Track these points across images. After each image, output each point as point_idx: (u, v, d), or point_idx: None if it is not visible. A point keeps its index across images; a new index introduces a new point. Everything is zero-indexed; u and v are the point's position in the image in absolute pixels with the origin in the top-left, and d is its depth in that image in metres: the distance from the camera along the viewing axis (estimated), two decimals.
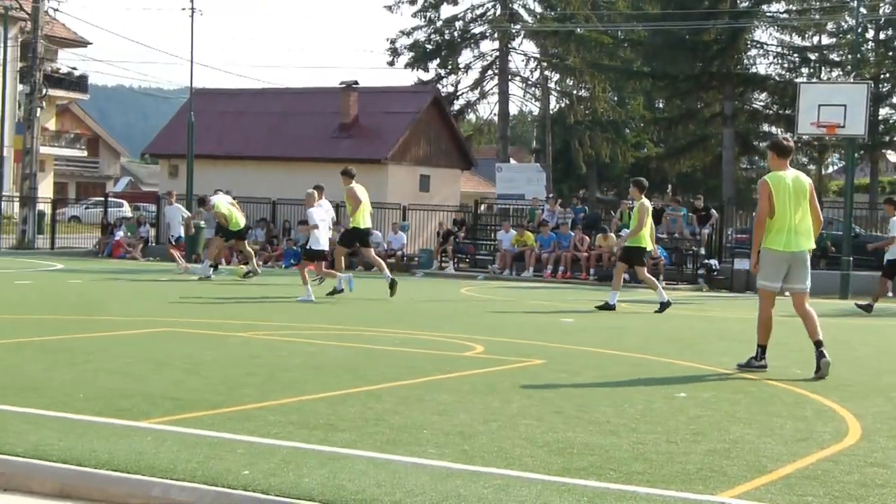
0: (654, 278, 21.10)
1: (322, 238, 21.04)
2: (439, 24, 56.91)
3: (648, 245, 20.35)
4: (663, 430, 7.70)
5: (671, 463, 6.65)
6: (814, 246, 11.72)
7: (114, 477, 5.99)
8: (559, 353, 12.44)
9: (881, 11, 50.03)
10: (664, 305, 19.81)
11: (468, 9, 56.93)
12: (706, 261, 31.39)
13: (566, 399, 9.00)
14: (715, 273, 30.88)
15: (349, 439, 7.05)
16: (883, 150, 53.12)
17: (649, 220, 20.10)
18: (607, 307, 19.72)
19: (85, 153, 72.78)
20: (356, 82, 42.78)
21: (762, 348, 11.54)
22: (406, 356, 11.84)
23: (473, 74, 58.52)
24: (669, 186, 63.71)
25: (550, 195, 40.40)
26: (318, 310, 18.43)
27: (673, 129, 53.21)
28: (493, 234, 37.50)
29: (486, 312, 19.10)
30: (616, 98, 60.87)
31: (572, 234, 32.44)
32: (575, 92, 58.66)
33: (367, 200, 21.78)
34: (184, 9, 42.32)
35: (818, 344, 11.26)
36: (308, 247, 21.35)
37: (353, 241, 22.11)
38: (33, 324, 14.33)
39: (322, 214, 21.54)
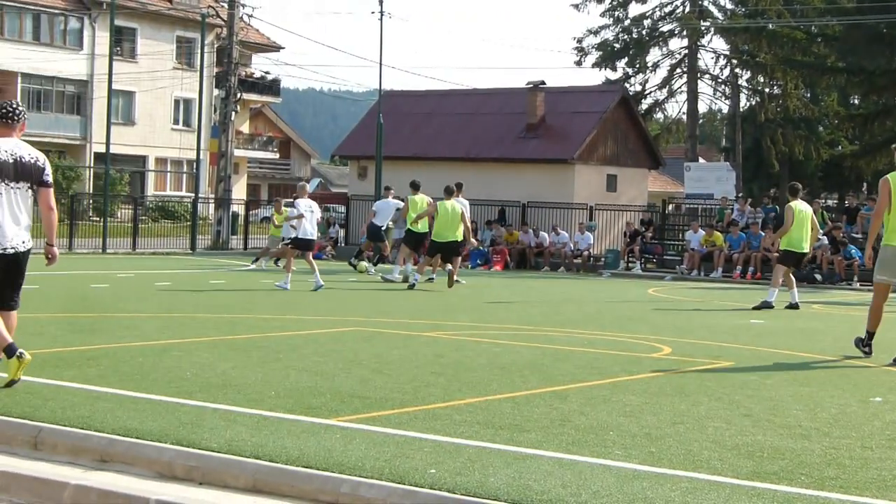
0: (791, 279, 20.70)
1: (308, 228, 21.97)
2: (627, 22, 56.60)
3: (799, 248, 19.89)
4: (858, 436, 7.49)
5: (866, 469, 6.46)
6: None
7: (304, 473, 6.11)
8: (749, 355, 12.22)
9: None
10: (791, 306, 19.78)
11: (657, 6, 56.49)
12: None
13: (756, 402, 8.83)
14: None
15: (535, 439, 7.06)
16: None
17: (804, 223, 19.73)
18: (765, 305, 19.50)
19: (277, 155, 74.62)
20: (543, 82, 42.78)
21: (870, 334, 12.32)
22: (592, 357, 11.79)
23: (661, 73, 58.10)
24: (865, 185, 61.96)
25: (740, 194, 39.76)
26: (505, 310, 18.51)
27: (869, 126, 51.69)
28: (681, 234, 37.10)
29: (673, 313, 18.89)
30: (809, 94, 59.51)
31: (763, 234, 31.80)
32: (766, 89, 57.58)
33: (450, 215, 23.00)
34: (373, 12, 43.11)
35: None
36: (295, 236, 21.98)
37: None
38: (226, 323, 14.72)
39: (307, 206, 22.12)
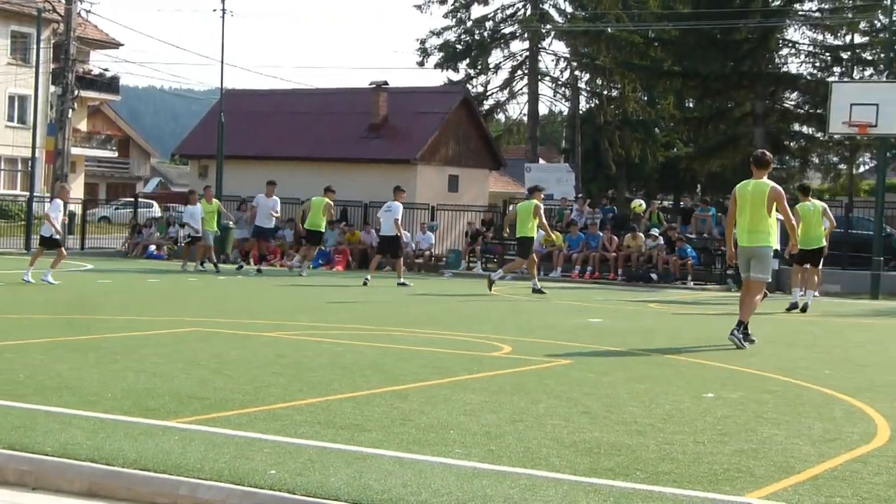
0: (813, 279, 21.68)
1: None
2: (469, 24, 56.97)
3: (808, 245, 20.66)
4: (690, 431, 7.67)
5: (698, 463, 6.62)
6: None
7: (141, 476, 6.02)
8: (587, 354, 12.42)
9: None
10: (795, 307, 20.73)
11: (498, 9, 56.99)
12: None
13: (593, 399, 8.98)
14: None
15: (376, 439, 7.06)
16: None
17: (811, 220, 20.77)
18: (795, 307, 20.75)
19: (116, 154, 73.16)
20: (386, 83, 42.85)
21: (742, 324, 13.53)
22: (434, 356, 11.84)
23: (503, 74, 58.57)
24: (699, 186, 63.48)
25: (579, 195, 40.35)
26: (347, 310, 18.48)
27: (703, 129, 52.94)
28: None
29: (514, 313, 19.08)
30: (646, 97, 60.68)
31: (601, 234, 32.35)
32: (605, 92, 58.54)
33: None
34: (215, 10, 42.56)
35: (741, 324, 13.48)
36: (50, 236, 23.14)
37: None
38: (63, 323, 14.40)
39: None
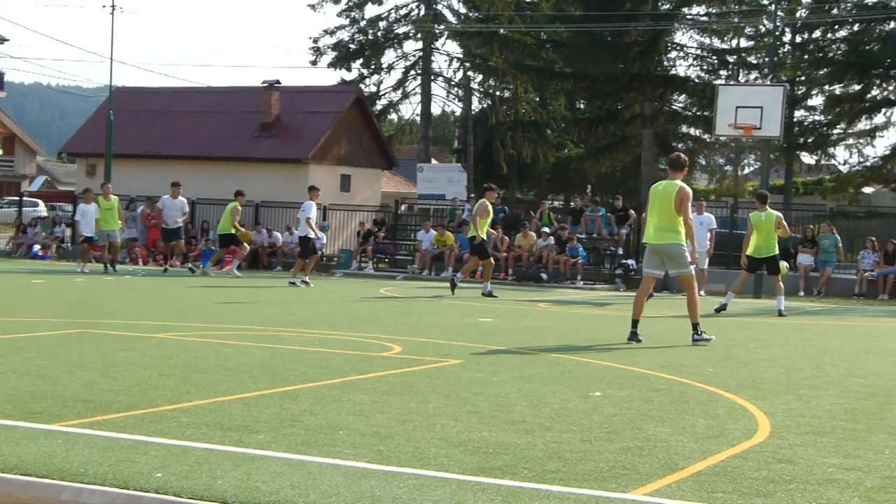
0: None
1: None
2: (363, 23, 56.84)
3: (759, 254, 21.34)
4: (578, 429, 7.75)
5: (585, 461, 6.69)
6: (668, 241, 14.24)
7: (22, 481, 5.91)
8: (477, 353, 12.48)
9: (798, 15, 50.71)
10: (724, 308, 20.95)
11: (392, 9, 56.96)
12: (624, 261, 31.63)
13: (483, 399, 9.03)
14: (632, 273, 31.11)
15: (264, 440, 7.02)
16: (798, 152, 53.82)
17: (763, 230, 21.16)
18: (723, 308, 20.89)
19: (0, 152, 71.67)
20: (278, 81, 42.60)
21: (634, 322, 14.29)
22: (324, 357, 11.80)
23: (396, 74, 58.65)
24: (589, 187, 64.10)
25: (471, 195, 40.49)
26: (237, 310, 18.34)
27: (593, 130, 53.46)
28: (413, 235, 37.53)
29: (404, 313, 19.09)
30: (538, 99, 61.09)
31: (492, 234, 32.51)
32: (497, 92, 58.82)
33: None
34: (104, 6, 41.92)
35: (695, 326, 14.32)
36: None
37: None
38: None
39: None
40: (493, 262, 25.18)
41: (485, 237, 24.31)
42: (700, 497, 5.90)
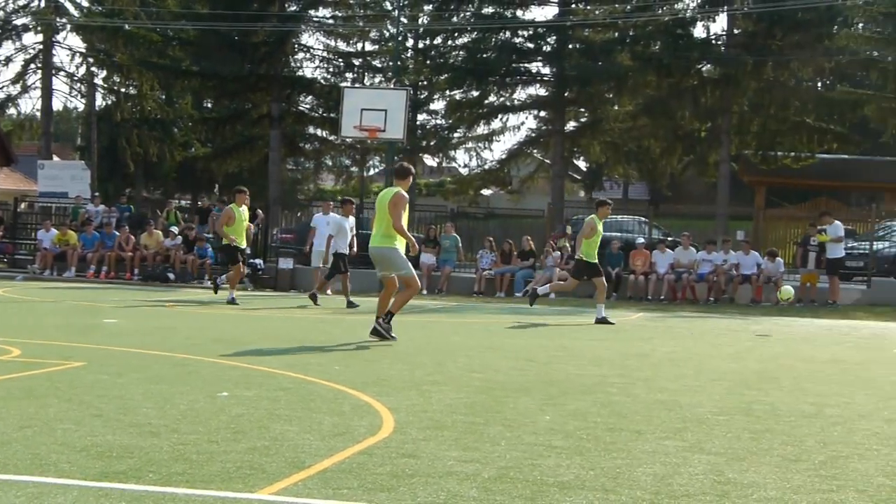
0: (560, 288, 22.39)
1: None
2: None
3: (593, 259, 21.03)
4: (205, 430, 7.71)
5: (211, 462, 6.67)
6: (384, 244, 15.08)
7: None
8: (101, 355, 12.18)
9: (420, 21, 52.23)
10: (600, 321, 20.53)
11: None
12: (252, 260, 31.64)
13: (107, 401, 8.83)
14: (260, 272, 31.20)
15: None
16: (421, 155, 55.42)
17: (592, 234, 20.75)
18: (605, 321, 20.39)
19: None
20: None
21: (389, 316, 15.05)
22: None
23: (15, 67, 56.24)
24: (217, 186, 63.66)
25: (96, 193, 39.44)
26: None
27: (221, 130, 53.10)
28: (33, 233, 36.16)
29: (24, 314, 18.40)
30: (164, 97, 60.11)
31: (117, 233, 31.80)
32: (122, 89, 57.44)
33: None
34: None
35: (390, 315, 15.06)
36: None
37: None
38: None
39: None
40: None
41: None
42: (326, 494, 5.99)
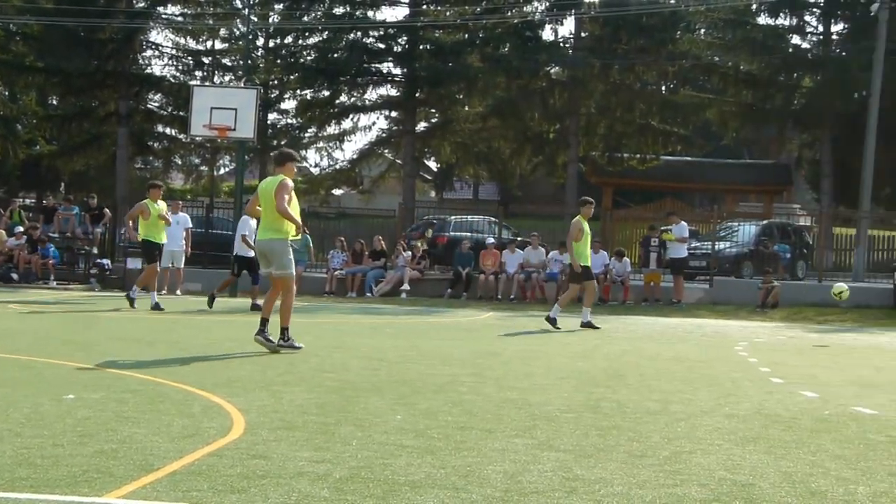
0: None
1: None
2: None
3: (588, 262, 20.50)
4: (50, 434, 7.57)
5: (57, 466, 6.56)
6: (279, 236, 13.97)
7: None
8: None
9: (271, 20, 51.90)
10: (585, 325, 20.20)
11: None
12: (99, 260, 31.12)
13: None
14: (108, 272, 30.69)
15: None
16: (272, 154, 55.03)
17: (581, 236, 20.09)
18: (590, 326, 20.10)
19: None
20: None
21: (269, 320, 14.10)
22: None
23: None
24: (63, 185, 62.33)
25: None
26: None
27: (67, 127, 52.00)
28: None
29: None
30: (7, 93, 58.63)
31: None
32: None
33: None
34: None
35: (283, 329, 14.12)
36: None
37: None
38: None
39: None
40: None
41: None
42: (175, 497, 5.95)
